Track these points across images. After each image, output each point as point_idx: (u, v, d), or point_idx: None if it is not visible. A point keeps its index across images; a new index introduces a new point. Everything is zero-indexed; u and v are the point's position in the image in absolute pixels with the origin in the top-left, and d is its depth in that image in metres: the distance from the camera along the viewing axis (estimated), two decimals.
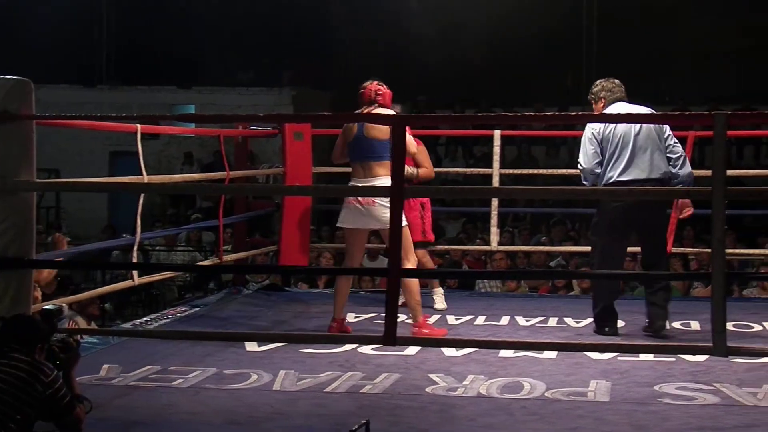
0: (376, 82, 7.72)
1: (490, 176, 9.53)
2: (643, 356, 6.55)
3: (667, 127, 7.25)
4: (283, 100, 20.64)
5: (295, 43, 21.18)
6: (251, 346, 6.82)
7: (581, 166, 7.36)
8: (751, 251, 11.15)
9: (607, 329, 7.39)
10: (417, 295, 7.39)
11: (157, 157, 19.91)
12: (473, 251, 12.49)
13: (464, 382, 5.92)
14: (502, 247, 10.63)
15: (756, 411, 5.37)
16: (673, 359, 6.48)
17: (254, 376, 6.06)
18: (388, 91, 7.68)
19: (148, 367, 6.25)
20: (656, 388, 5.82)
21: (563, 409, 5.40)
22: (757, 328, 7.72)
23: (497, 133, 9.51)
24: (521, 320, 8.07)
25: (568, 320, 8.07)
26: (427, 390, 5.78)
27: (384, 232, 7.51)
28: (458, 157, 19.50)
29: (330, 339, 6.85)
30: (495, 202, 9.61)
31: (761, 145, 18.75)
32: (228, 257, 9.35)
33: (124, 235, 12.96)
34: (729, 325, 7.45)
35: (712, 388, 5.81)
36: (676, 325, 7.84)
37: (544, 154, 19.08)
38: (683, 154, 7.29)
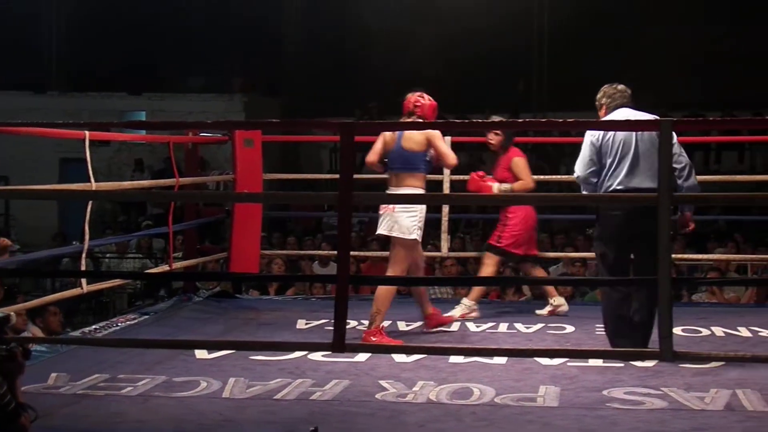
0: (418, 93, 7.81)
1: (441, 182, 9.57)
2: (592, 361, 6.59)
3: (673, 135, 6.92)
4: (234, 106, 20.61)
5: (247, 49, 21.15)
6: (201, 354, 6.79)
7: (576, 174, 7.06)
8: (699, 256, 11.23)
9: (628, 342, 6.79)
10: (382, 304, 7.46)
11: (107, 164, 19.80)
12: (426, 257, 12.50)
13: (414, 389, 5.92)
14: (452, 254, 10.67)
15: (703, 415, 5.41)
16: (622, 364, 6.52)
17: (203, 384, 6.03)
18: (429, 102, 7.73)
19: (97, 375, 6.21)
20: (605, 392, 5.85)
21: (512, 414, 5.42)
22: (705, 332, 7.78)
23: (447, 140, 9.53)
24: (471, 326, 8.09)
25: (519, 326, 8.11)
26: (377, 396, 5.77)
27: (390, 239, 7.68)
28: None
29: (279, 346, 6.83)
30: (445, 208, 9.64)
31: (710, 151, 18.90)
32: (178, 264, 9.31)
33: (74, 243, 12.86)
34: (677, 330, 7.63)
35: (660, 392, 5.84)
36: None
37: (493, 160, 19.12)
38: (689, 163, 6.88)
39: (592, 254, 9.02)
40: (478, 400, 5.68)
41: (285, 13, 21.93)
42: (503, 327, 8.02)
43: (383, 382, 6.06)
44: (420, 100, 7.69)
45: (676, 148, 6.69)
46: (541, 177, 10.72)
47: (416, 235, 7.44)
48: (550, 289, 8.80)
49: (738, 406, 5.55)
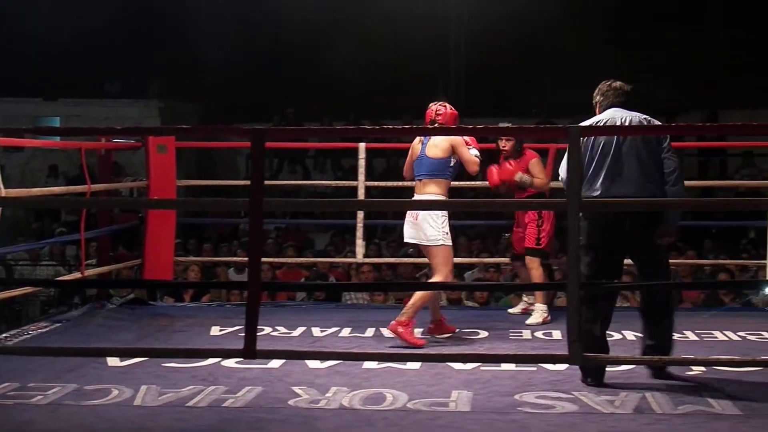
0: (440, 103, 7.85)
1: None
2: (505, 366, 6.63)
3: (666, 138, 6.54)
4: (150, 112, 20.49)
5: (163, 55, 21.03)
6: (113, 361, 6.74)
7: (560, 178, 6.73)
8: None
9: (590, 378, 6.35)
10: (420, 300, 7.68)
11: (20, 170, 19.57)
12: (341, 263, 12.55)
13: (327, 395, 5.93)
14: (367, 260, 10.69)
15: (612, 418, 5.48)
16: (534, 368, 6.58)
17: (115, 392, 5.98)
18: (451, 111, 7.79)
19: (6, 384, 6.12)
20: (517, 397, 5.89)
21: (424, 419, 5.44)
22: (617, 336, 7.85)
23: (362, 146, 9.60)
24: (386, 332, 8.09)
25: None
26: (289, 403, 5.77)
27: (422, 247, 7.87)
28: (327, 169, 19.55)
29: (190, 353, 6.79)
30: (360, 214, 9.67)
31: None
32: (91, 271, 9.22)
33: None
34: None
35: (571, 396, 5.90)
36: (539, 334, 8.00)
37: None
38: (677, 168, 6.49)
39: (506, 260, 9.14)
40: (390, 406, 5.70)
41: (202, 18, 21.82)
42: (417, 333, 8.03)
43: (296, 389, 6.06)
44: (441, 109, 7.80)
45: (668, 147, 6.51)
46: (461, 183, 10.76)
47: (443, 241, 7.66)
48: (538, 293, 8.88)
49: (647, 409, 5.62)
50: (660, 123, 6.87)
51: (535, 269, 8.73)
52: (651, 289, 6.63)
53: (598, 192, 6.42)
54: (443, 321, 8.13)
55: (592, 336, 6.33)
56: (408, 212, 7.74)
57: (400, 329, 7.58)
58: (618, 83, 6.76)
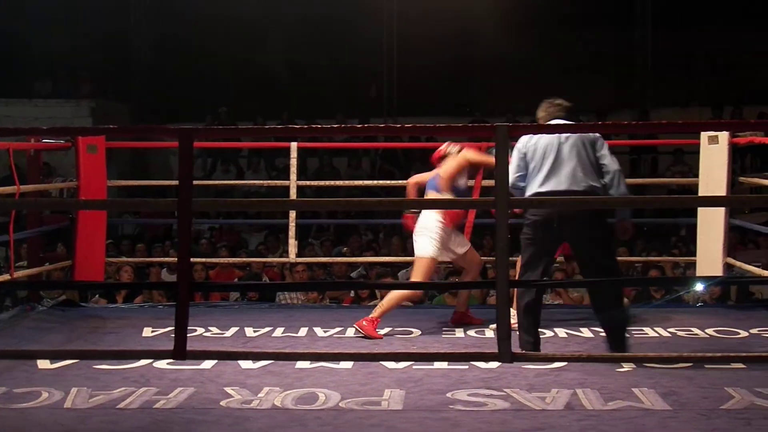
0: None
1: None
2: (437, 364, 6.65)
3: (602, 142, 6.99)
4: (82, 112, 20.28)
5: (94, 54, 20.85)
6: (43, 364, 6.66)
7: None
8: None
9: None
10: (393, 301, 8.00)
11: None
12: (275, 263, 12.52)
13: (259, 395, 5.91)
14: (300, 259, 10.66)
15: (544, 414, 5.52)
16: (467, 367, 6.60)
17: (45, 394, 5.92)
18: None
19: None
20: (449, 395, 5.91)
21: (356, 418, 5.44)
22: (549, 333, 7.90)
23: (294, 146, 9.58)
24: (319, 331, 8.09)
25: None
26: (221, 403, 5.74)
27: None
28: (261, 169, 19.50)
29: (120, 354, 6.75)
30: (293, 214, 9.65)
31: None
32: (21, 273, 9.12)
33: None
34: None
35: (503, 393, 5.93)
36: (471, 332, 8.03)
37: (345, 165, 19.25)
38: (616, 171, 6.93)
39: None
40: (323, 405, 5.70)
41: (133, 16, 21.69)
42: (351, 331, 8.04)
43: (228, 389, 6.04)
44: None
45: (605, 154, 6.94)
46: (390, 182, 10.80)
47: (433, 253, 8.04)
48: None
49: (578, 406, 5.67)
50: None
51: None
52: (593, 284, 7.04)
53: (541, 190, 6.85)
54: (468, 312, 8.42)
55: (525, 332, 6.94)
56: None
57: (365, 323, 7.84)
58: (558, 100, 7.21)
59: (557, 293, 11.07)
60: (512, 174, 7.01)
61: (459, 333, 8.07)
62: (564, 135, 6.92)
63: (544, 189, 6.91)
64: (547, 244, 7.01)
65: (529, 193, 6.98)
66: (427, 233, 8.06)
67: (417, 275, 8.07)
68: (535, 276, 6.98)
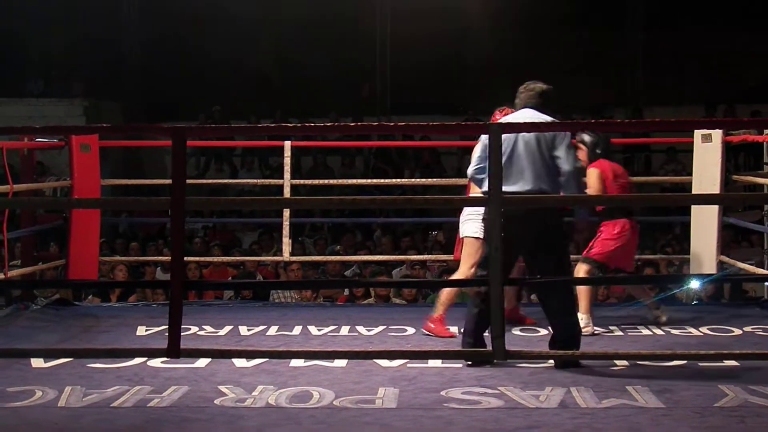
0: (505, 108, 7.74)
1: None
2: (431, 363, 6.65)
3: (561, 140, 6.69)
4: (75, 111, 20.22)
5: (87, 53, 20.82)
6: (37, 363, 6.65)
7: (468, 172, 7.03)
8: None
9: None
10: (450, 294, 7.87)
11: None
12: (269, 262, 12.53)
13: (253, 393, 5.91)
14: (294, 258, 10.67)
15: (538, 412, 5.52)
16: (460, 365, 6.61)
17: (39, 393, 5.92)
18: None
19: None
20: (443, 393, 5.92)
21: (351, 416, 5.45)
22: (543, 332, 7.88)
23: (287, 144, 9.59)
24: (313, 329, 8.09)
25: (360, 329, 8.13)
26: (215, 402, 5.75)
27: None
28: (254, 167, 19.49)
29: (113, 353, 6.74)
30: (286, 212, 9.65)
31: None
32: (15, 272, 9.12)
33: None
34: (516, 330, 7.78)
35: (497, 391, 5.94)
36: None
37: (339, 164, 19.25)
38: (570, 171, 6.68)
39: (432, 257, 9.15)
40: (317, 403, 5.70)
41: (126, 15, 21.66)
42: (345, 330, 8.04)
43: (222, 388, 6.04)
44: (498, 115, 7.78)
45: (562, 154, 6.66)
46: (384, 181, 10.81)
47: (480, 234, 7.60)
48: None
49: (571, 404, 5.68)
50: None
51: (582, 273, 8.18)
52: (545, 287, 6.81)
53: (484, 188, 6.65)
54: (517, 310, 8.34)
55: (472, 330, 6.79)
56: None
57: (432, 325, 7.81)
58: (534, 85, 6.97)
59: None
60: (472, 166, 6.99)
61: (452, 331, 8.07)
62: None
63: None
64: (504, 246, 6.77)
65: (482, 189, 6.78)
66: (476, 217, 7.67)
67: (467, 256, 7.80)
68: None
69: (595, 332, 7.93)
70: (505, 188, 6.42)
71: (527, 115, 6.77)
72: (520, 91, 6.99)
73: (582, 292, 7.97)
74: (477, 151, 7.11)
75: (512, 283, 7.60)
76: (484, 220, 6.91)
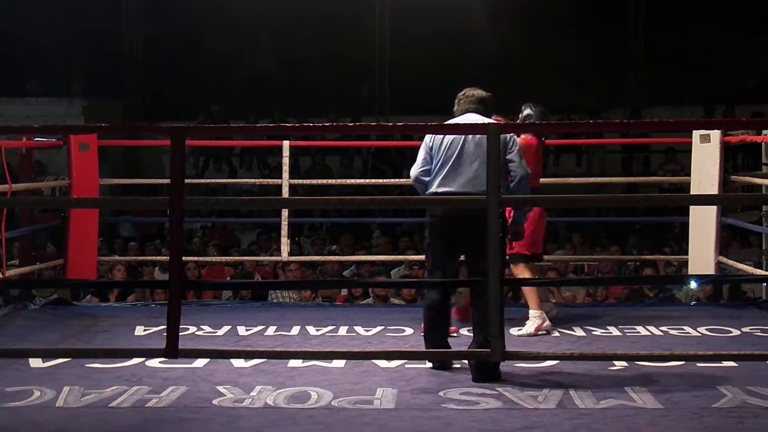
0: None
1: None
2: (429, 363, 6.65)
3: (513, 143, 6.70)
4: (74, 110, 20.22)
5: (86, 52, 20.81)
6: (35, 363, 6.66)
7: (411, 174, 6.94)
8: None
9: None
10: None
11: None
12: (267, 262, 12.52)
13: (252, 393, 5.92)
14: (292, 258, 10.66)
15: (536, 413, 5.53)
16: (459, 365, 6.60)
17: (37, 393, 5.93)
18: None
19: None
20: (441, 394, 5.92)
21: (349, 417, 5.45)
22: (541, 332, 7.88)
23: (286, 144, 9.58)
24: (312, 330, 8.09)
25: (358, 329, 8.13)
26: (213, 402, 5.75)
27: None
28: (253, 167, 19.49)
29: (111, 353, 6.74)
30: (285, 212, 9.65)
31: (549, 154, 19.27)
32: (13, 271, 9.11)
33: None
34: (515, 331, 7.77)
35: (495, 392, 5.95)
36: (464, 331, 8.01)
37: (338, 163, 19.25)
38: (521, 174, 6.66)
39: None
40: (315, 404, 5.71)
41: (125, 14, 21.64)
42: (343, 330, 8.04)
43: (221, 388, 6.05)
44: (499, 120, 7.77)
45: (514, 158, 6.66)
46: (382, 181, 10.78)
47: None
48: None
49: (570, 404, 5.69)
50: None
51: (520, 273, 8.15)
52: (475, 289, 6.69)
53: (439, 189, 6.65)
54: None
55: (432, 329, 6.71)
56: None
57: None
58: (473, 91, 6.96)
59: (551, 292, 11.07)
60: (416, 168, 6.86)
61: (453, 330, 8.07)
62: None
63: (440, 189, 6.65)
64: (446, 247, 6.70)
65: (429, 191, 6.73)
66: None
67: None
68: (440, 275, 6.72)
69: (553, 328, 8.02)
70: (450, 190, 6.61)
71: (471, 118, 6.75)
72: (459, 98, 6.98)
73: (528, 290, 7.99)
74: (421, 153, 6.92)
75: (508, 284, 7.62)
76: (429, 223, 6.86)
